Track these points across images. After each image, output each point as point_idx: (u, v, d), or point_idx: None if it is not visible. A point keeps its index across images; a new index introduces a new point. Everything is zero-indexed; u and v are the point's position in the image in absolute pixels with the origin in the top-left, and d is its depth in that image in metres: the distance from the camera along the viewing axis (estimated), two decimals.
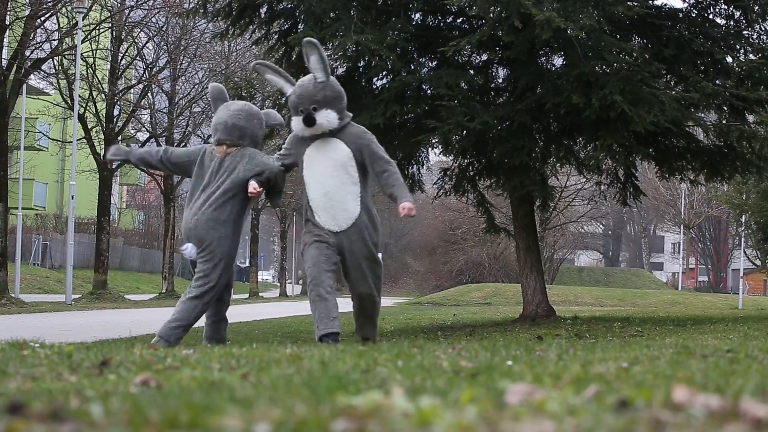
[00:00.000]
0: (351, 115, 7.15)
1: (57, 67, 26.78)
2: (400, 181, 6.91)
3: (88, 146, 27.88)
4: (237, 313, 19.99)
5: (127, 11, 27.89)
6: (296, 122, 6.97)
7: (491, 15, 11.32)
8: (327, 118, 6.92)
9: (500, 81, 13.66)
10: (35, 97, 33.37)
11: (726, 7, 13.12)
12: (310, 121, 6.89)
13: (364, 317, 7.38)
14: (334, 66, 13.58)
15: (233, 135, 7.16)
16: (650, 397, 2.26)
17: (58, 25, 24.85)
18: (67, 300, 23.34)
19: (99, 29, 26.56)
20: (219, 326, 7.39)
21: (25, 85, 24.59)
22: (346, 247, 6.95)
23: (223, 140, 7.18)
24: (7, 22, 21.34)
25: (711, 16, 13.26)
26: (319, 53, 7.08)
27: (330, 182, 6.90)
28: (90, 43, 27.07)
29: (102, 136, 28.58)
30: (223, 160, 7.10)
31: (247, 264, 49.78)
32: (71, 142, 26.26)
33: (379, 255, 7.27)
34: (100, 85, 28.32)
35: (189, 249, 7.01)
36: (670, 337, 8.02)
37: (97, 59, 28.21)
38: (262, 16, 12.90)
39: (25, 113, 29.06)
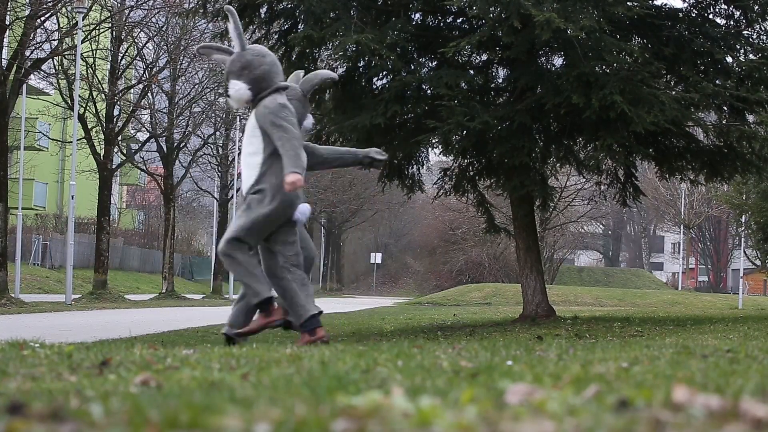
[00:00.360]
0: (279, 84, 6.97)
1: (57, 67, 26.78)
2: (288, 152, 6.66)
3: (88, 146, 27.88)
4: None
5: (127, 11, 27.88)
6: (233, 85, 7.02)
7: (491, 15, 11.32)
8: (234, 88, 6.95)
9: (500, 81, 13.66)
10: (35, 97, 33.37)
11: (726, 6, 13.12)
12: (226, 92, 7.04)
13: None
14: (334, 66, 13.59)
15: None
16: (650, 397, 2.26)
17: (58, 25, 24.85)
18: (67, 300, 23.34)
19: (99, 29, 26.56)
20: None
21: (25, 85, 24.58)
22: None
23: None
24: (7, 22, 21.35)
25: (711, 16, 13.26)
26: (234, 21, 7.10)
27: (244, 154, 6.96)
28: (90, 43, 27.07)
29: (102, 136, 28.59)
30: None
31: None
32: (71, 142, 26.26)
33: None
34: (100, 85, 28.32)
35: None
36: (670, 337, 8.02)
37: (97, 59, 28.21)
38: (262, 16, 12.89)
39: (25, 113, 29.06)
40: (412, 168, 14.23)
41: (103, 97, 28.18)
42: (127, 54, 29.68)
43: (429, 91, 12.29)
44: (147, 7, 27.72)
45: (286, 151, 6.64)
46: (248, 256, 6.77)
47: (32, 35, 22.09)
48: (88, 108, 28.10)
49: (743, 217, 27.73)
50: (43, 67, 24.36)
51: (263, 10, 12.80)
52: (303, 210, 6.81)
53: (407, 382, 3.00)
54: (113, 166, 28.97)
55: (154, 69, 30.73)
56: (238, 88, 6.93)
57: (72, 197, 24.26)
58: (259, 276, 6.74)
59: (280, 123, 6.73)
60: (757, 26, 13.03)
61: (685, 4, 13.35)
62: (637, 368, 3.57)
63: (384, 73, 12.49)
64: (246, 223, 6.73)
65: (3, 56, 21.23)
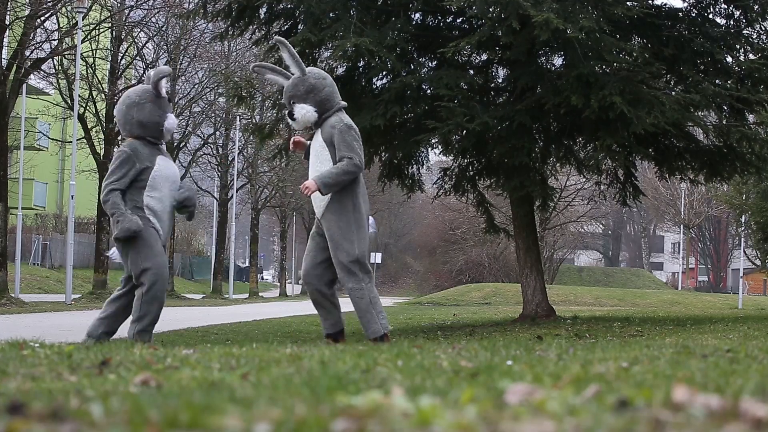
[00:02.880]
0: (341, 104, 7.32)
1: (57, 67, 26.78)
2: (336, 167, 7.04)
3: (87, 146, 27.87)
4: (237, 313, 20.05)
5: (127, 11, 27.87)
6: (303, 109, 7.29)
7: (490, 15, 11.32)
8: (302, 111, 7.21)
9: (500, 81, 13.67)
10: (35, 97, 33.36)
11: (726, 6, 13.12)
12: (291, 116, 7.27)
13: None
14: (333, 66, 13.59)
15: None
16: (650, 397, 2.26)
17: (58, 25, 24.84)
18: (67, 300, 23.34)
19: (99, 29, 26.55)
20: None
21: (25, 85, 24.57)
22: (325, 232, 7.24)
23: None
24: (7, 22, 21.34)
25: (711, 16, 13.26)
26: (288, 50, 7.32)
27: (312, 171, 7.20)
28: (90, 43, 27.07)
29: (102, 136, 28.58)
30: None
31: (247, 264, 49.75)
32: (71, 142, 26.25)
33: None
34: (100, 85, 28.31)
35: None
36: (670, 337, 8.02)
37: (97, 59, 28.21)
38: (262, 16, 12.90)
39: (25, 113, 29.04)
40: (412, 168, 14.24)
41: (103, 96, 28.17)
42: (127, 54, 29.68)
43: (429, 92, 12.29)
44: (147, 7, 27.70)
45: (337, 169, 7.02)
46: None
47: (32, 35, 22.08)
48: (88, 108, 28.10)
49: (743, 217, 27.73)
50: (43, 66, 24.35)
51: (263, 11, 12.80)
52: (372, 223, 7.09)
53: (407, 382, 3.00)
54: None
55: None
56: (306, 111, 7.20)
57: (72, 197, 24.25)
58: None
59: (349, 143, 7.10)
60: (757, 26, 13.03)
61: (685, 4, 13.35)
62: (637, 368, 3.57)
63: (384, 73, 12.49)
64: (361, 247, 7.18)
65: (3, 56, 21.22)
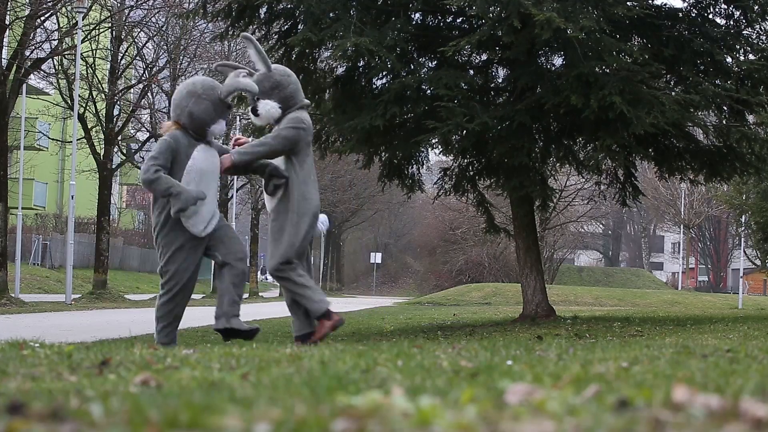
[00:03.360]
0: (304, 102, 7.35)
1: (57, 67, 26.77)
2: (252, 144, 7.17)
3: (87, 146, 27.86)
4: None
5: (127, 11, 27.86)
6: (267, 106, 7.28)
7: (491, 15, 11.32)
8: (266, 107, 7.21)
9: (500, 81, 13.67)
10: (35, 96, 33.35)
11: (726, 6, 13.12)
12: (255, 111, 7.26)
13: None
14: (333, 66, 13.59)
15: None
16: (650, 397, 2.26)
17: (58, 24, 24.83)
18: (67, 300, 23.33)
19: (99, 29, 26.54)
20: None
21: (25, 85, 24.57)
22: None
23: None
24: (7, 22, 21.33)
25: (711, 16, 13.26)
26: (254, 46, 7.29)
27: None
28: (90, 43, 27.06)
29: (102, 135, 28.57)
30: None
31: (247, 264, 49.74)
32: (71, 141, 26.24)
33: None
34: (100, 85, 28.30)
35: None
36: (670, 337, 8.02)
37: (97, 59, 28.19)
38: (262, 16, 12.89)
39: (25, 113, 29.05)
40: (412, 168, 14.24)
41: (103, 96, 28.16)
42: (127, 54, 29.67)
43: (429, 92, 12.29)
44: (147, 7, 27.70)
45: (258, 143, 7.12)
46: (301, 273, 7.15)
47: (32, 35, 22.07)
48: (88, 108, 28.08)
49: (743, 217, 27.73)
50: (43, 66, 24.34)
51: (263, 11, 12.80)
52: (324, 220, 7.07)
53: (407, 381, 3.00)
54: (113, 166, 28.93)
55: (154, 69, 30.70)
56: (270, 107, 7.19)
57: (72, 197, 24.25)
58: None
59: (280, 130, 7.12)
60: (757, 26, 13.03)
61: (685, 4, 13.35)
62: (637, 368, 3.57)
63: (384, 73, 12.49)
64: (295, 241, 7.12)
65: (3, 56, 21.22)
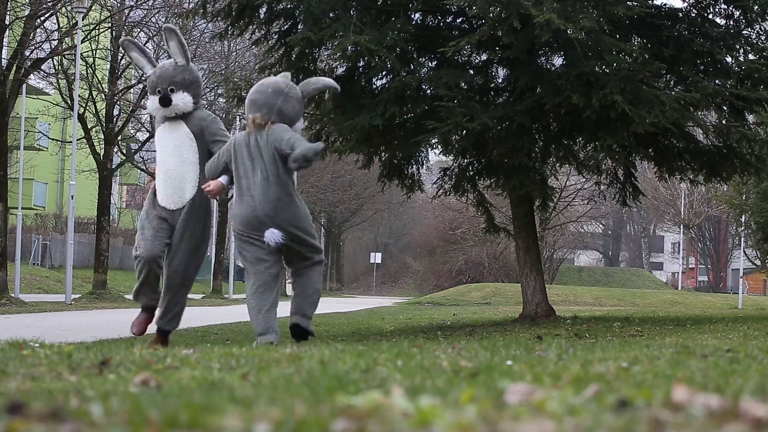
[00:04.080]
0: (204, 103, 7.49)
1: (57, 67, 26.76)
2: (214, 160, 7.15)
3: (87, 146, 27.86)
4: (237, 312, 20.00)
5: (126, 11, 27.86)
6: (152, 102, 7.25)
7: (491, 15, 11.32)
8: (183, 100, 7.18)
9: (500, 81, 13.66)
10: (35, 97, 33.33)
11: (726, 6, 13.12)
12: (165, 101, 7.16)
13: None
14: (333, 66, 13.59)
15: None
16: (650, 397, 2.26)
17: (58, 25, 24.82)
18: (67, 300, 23.32)
19: (99, 29, 26.53)
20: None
21: (24, 85, 24.56)
22: (177, 225, 7.24)
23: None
24: (7, 22, 21.33)
25: (711, 16, 13.26)
26: (178, 39, 7.33)
27: (170, 161, 7.15)
28: (90, 43, 27.05)
29: (102, 136, 28.56)
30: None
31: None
32: (71, 142, 26.23)
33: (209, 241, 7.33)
34: (100, 85, 28.29)
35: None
36: (670, 337, 8.02)
37: (97, 59, 28.18)
38: (262, 16, 12.89)
39: (24, 113, 29.03)
40: (412, 168, 14.24)
41: (103, 97, 28.15)
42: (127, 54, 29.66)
43: (428, 92, 12.29)
44: (147, 7, 27.69)
45: (216, 159, 7.06)
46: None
47: (32, 35, 22.06)
48: (88, 108, 28.07)
49: (743, 217, 27.73)
50: (43, 67, 24.32)
51: (263, 11, 12.79)
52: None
53: (407, 381, 3.00)
54: (113, 166, 28.93)
55: None
56: (186, 101, 7.19)
57: (72, 197, 24.24)
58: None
59: (222, 134, 7.23)
60: (757, 26, 13.03)
61: (685, 4, 13.35)
62: (637, 368, 3.57)
63: (383, 73, 12.49)
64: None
65: (3, 56, 21.21)
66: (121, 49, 28.40)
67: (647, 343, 5.77)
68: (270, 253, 6.83)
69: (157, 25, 29.21)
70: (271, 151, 6.81)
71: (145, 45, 30.51)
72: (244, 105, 14.03)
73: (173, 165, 7.12)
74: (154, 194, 7.28)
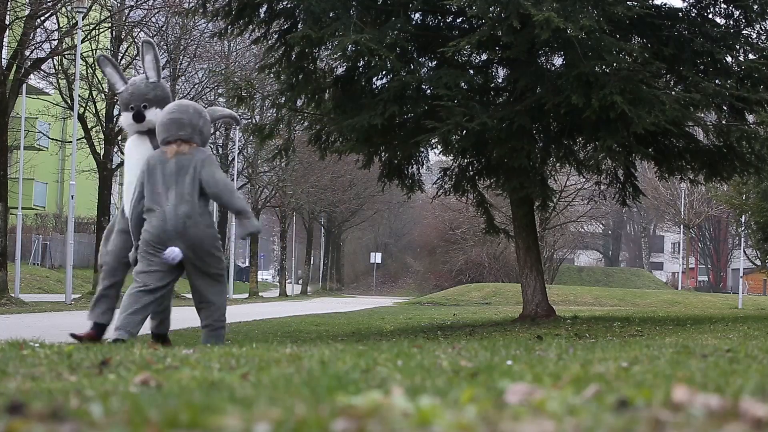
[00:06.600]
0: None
1: (57, 67, 26.76)
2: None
3: (87, 146, 27.86)
4: (237, 313, 20.00)
5: (126, 11, 27.86)
6: (126, 118, 7.38)
7: (490, 15, 11.31)
8: (156, 115, 7.28)
9: (500, 81, 13.66)
10: (35, 96, 33.33)
11: (725, 6, 13.12)
12: (139, 117, 7.31)
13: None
14: (333, 66, 13.59)
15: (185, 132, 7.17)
16: (650, 397, 2.26)
17: (58, 24, 24.82)
18: (67, 300, 23.32)
19: (99, 29, 26.53)
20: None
21: (24, 85, 24.56)
22: None
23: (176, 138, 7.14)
24: (7, 22, 21.33)
25: (711, 16, 13.26)
26: (153, 53, 7.52)
27: (136, 174, 7.23)
28: (90, 43, 27.05)
29: (102, 135, 28.57)
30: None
31: (247, 264, 49.74)
32: (71, 141, 26.23)
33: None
34: (99, 85, 28.29)
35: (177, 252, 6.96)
36: (670, 337, 8.02)
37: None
38: (262, 15, 12.89)
39: (24, 113, 29.03)
40: (412, 168, 14.24)
41: (103, 96, 28.15)
42: (127, 54, 29.67)
43: (428, 92, 12.29)
44: (147, 7, 27.69)
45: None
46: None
47: (32, 35, 22.06)
48: (88, 108, 28.08)
49: (743, 217, 27.73)
50: (43, 66, 24.32)
51: (263, 10, 12.79)
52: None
53: (407, 381, 3.00)
54: (113, 166, 28.92)
55: None
56: (156, 117, 7.27)
57: (72, 197, 24.23)
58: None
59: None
60: (757, 26, 13.03)
61: (685, 4, 13.35)
62: (637, 368, 3.57)
63: (383, 73, 12.49)
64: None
65: (3, 56, 21.20)
66: (125, 46, 28.49)
67: (647, 343, 5.77)
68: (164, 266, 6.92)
69: (157, 25, 29.22)
70: (192, 174, 6.92)
71: None
72: (243, 105, 14.04)
73: (130, 178, 7.30)
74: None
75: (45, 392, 2.82)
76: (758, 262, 41.01)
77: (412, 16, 13.04)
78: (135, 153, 7.34)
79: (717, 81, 12.44)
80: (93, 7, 25.14)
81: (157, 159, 7.03)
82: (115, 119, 28.54)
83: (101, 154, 27.83)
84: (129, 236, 7.16)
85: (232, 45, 34.54)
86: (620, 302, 32.85)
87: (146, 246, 6.96)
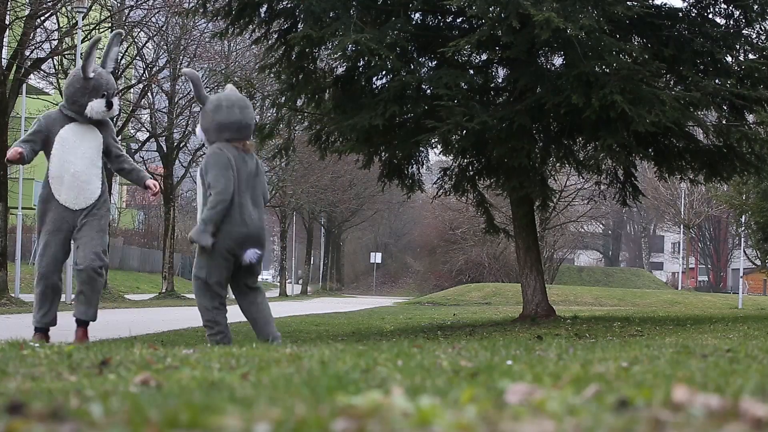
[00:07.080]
0: None
1: (57, 67, 26.77)
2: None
3: None
4: (237, 312, 20.07)
5: (126, 11, 27.86)
6: (98, 104, 7.47)
7: (490, 15, 11.31)
8: (117, 104, 7.70)
9: (500, 81, 13.66)
10: (35, 96, 33.35)
11: (725, 6, 13.12)
12: (111, 105, 7.54)
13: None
14: (334, 66, 13.60)
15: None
16: (650, 397, 2.26)
17: (58, 24, 24.83)
18: (67, 300, 23.30)
19: (99, 29, 26.53)
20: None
21: (24, 85, 24.57)
22: (80, 222, 7.43)
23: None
24: (7, 22, 21.33)
25: (711, 16, 13.26)
26: (119, 47, 7.91)
27: (79, 163, 7.40)
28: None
29: None
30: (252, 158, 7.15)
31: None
32: None
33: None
34: None
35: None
36: (670, 337, 8.02)
37: (96, 59, 28.16)
38: (262, 15, 12.89)
39: (25, 113, 29.04)
40: (412, 168, 14.24)
41: None
42: (127, 54, 29.67)
43: (428, 91, 12.29)
44: (147, 7, 27.69)
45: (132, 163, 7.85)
46: None
47: (32, 35, 22.07)
48: None
49: (743, 217, 27.73)
50: (43, 66, 24.33)
51: (263, 10, 12.79)
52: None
53: (407, 381, 3.00)
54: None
55: (154, 69, 30.71)
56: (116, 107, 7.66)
57: None
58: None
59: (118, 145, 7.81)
60: (757, 26, 13.04)
61: (685, 4, 13.35)
62: (637, 368, 3.57)
63: (383, 72, 12.49)
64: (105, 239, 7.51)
65: (3, 56, 21.21)
66: (124, 42, 28.43)
67: (647, 343, 5.77)
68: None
69: (157, 25, 29.21)
70: (261, 178, 7.13)
71: (144, 45, 30.54)
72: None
73: (82, 167, 7.40)
74: (51, 197, 7.40)
75: (45, 392, 2.82)
76: (758, 262, 41.03)
77: (412, 16, 13.04)
78: (83, 142, 7.45)
79: (717, 80, 12.45)
80: (93, 7, 25.15)
81: (239, 159, 6.95)
82: (115, 119, 28.54)
83: None
84: (67, 224, 7.34)
85: (232, 45, 34.53)
86: (620, 302, 32.85)
87: (223, 251, 7.00)
